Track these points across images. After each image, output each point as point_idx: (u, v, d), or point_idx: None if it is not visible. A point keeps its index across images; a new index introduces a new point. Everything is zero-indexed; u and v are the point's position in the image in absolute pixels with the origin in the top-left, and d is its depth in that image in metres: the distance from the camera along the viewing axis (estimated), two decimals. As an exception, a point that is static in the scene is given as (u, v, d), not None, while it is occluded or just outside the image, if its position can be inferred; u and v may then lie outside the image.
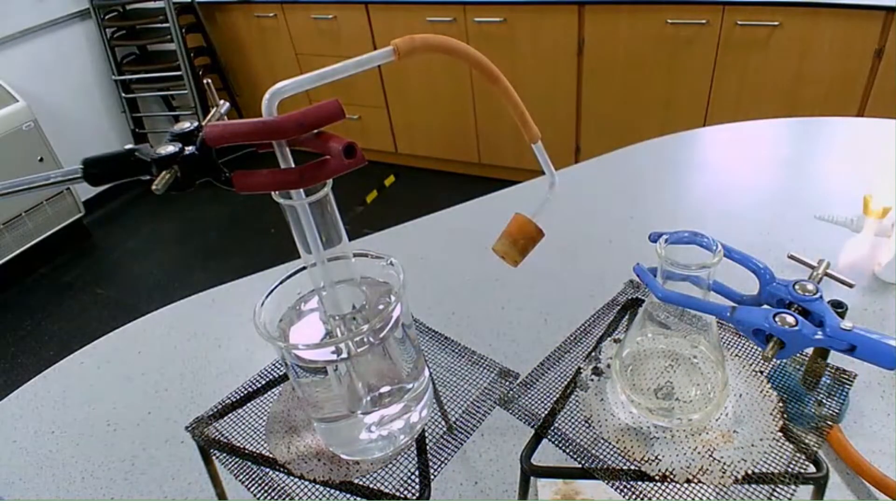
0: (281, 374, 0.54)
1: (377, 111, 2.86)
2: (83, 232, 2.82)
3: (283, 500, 0.44)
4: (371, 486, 0.44)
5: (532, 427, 0.45)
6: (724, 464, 0.40)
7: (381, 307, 0.43)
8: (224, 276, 0.92)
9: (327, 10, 2.65)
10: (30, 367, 2.14)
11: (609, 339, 0.51)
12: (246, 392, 0.52)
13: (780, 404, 0.43)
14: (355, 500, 0.43)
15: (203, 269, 2.53)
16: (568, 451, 0.43)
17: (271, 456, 0.46)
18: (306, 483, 0.44)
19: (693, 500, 0.39)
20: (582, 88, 2.35)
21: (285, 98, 0.32)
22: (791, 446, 0.41)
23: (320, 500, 0.44)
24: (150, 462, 0.65)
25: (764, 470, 0.39)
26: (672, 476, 0.39)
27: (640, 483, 0.40)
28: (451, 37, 0.32)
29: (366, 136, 2.94)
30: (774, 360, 0.33)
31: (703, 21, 2.00)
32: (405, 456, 0.45)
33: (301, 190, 0.35)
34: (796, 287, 0.34)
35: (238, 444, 0.48)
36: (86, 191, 2.79)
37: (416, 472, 0.44)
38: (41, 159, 2.51)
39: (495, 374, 0.51)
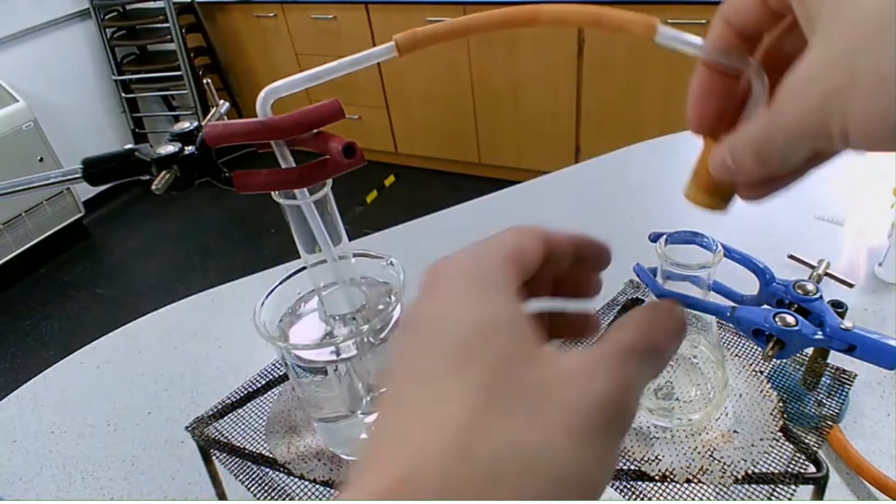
0: (281, 374, 0.54)
1: (377, 111, 2.86)
2: (83, 232, 2.82)
3: (283, 500, 0.44)
4: (371, 486, 0.43)
5: (532, 427, 0.45)
6: (725, 464, 0.40)
7: (381, 307, 0.43)
8: (224, 276, 0.92)
9: (327, 10, 2.65)
10: (30, 367, 2.14)
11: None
12: (246, 392, 0.52)
13: (780, 404, 0.43)
14: (355, 500, 0.43)
15: (203, 269, 2.53)
16: (568, 451, 0.42)
17: (271, 456, 0.46)
18: (306, 483, 0.44)
19: (693, 500, 0.39)
20: (582, 88, 2.35)
21: (283, 98, 0.32)
22: (791, 446, 0.41)
23: (320, 500, 0.44)
24: (150, 462, 0.64)
25: (764, 470, 0.39)
26: (672, 476, 0.39)
27: (640, 483, 0.40)
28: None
29: (366, 136, 2.94)
30: (774, 360, 0.34)
31: (703, 21, 2.00)
32: (405, 456, 0.45)
33: (305, 189, 0.35)
34: (796, 287, 0.34)
35: (238, 444, 0.48)
36: (86, 191, 2.79)
37: (416, 472, 0.44)
38: (41, 159, 2.51)
39: (495, 374, 0.51)
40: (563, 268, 0.25)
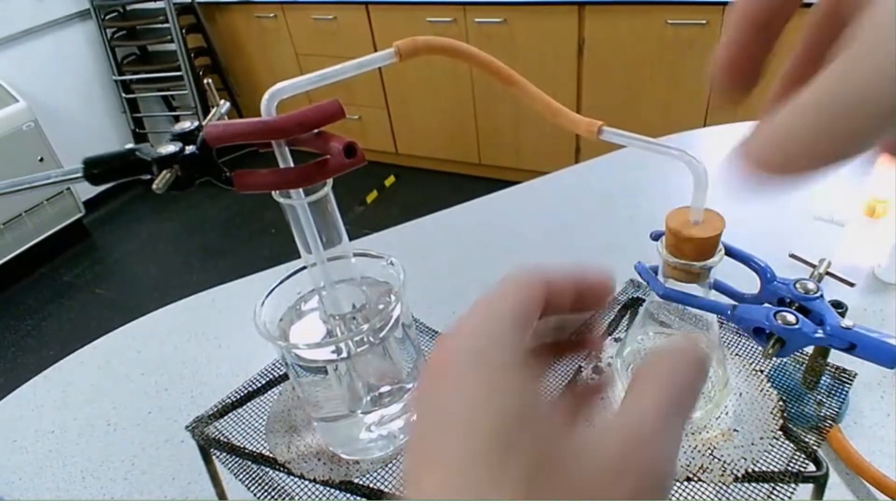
0: (281, 373, 0.54)
1: (377, 111, 2.86)
2: (83, 232, 2.82)
3: (283, 499, 0.44)
4: (371, 485, 0.44)
5: (532, 426, 0.45)
6: (724, 462, 0.40)
7: (381, 307, 0.43)
8: (224, 276, 0.91)
9: (327, 10, 2.65)
10: (30, 367, 2.14)
11: (610, 337, 0.51)
12: (246, 392, 0.52)
13: (781, 403, 0.43)
14: (355, 499, 0.43)
15: (203, 269, 2.53)
16: (568, 450, 0.42)
17: (271, 455, 0.46)
18: (306, 483, 0.44)
19: (693, 498, 0.39)
20: (582, 88, 2.35)
21: (285, 98, 0.32)
22: (791, 445, 0.41)
23: (320, 499, 0.44)
24: (150, 462, 0.64)
25: (764, 468, 0.39)
26: (672, 475, 0.39)
27: (640, 482, 0.40)
28: (451, 38, 0.32)
29: (366, 136, 2.94)
30: (774, 358, 0.34)
31: (703, 21, 2.00)
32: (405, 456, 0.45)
33: (300, 189, 0.35)
34: (797, 286, 0.34)
35: (238, 444, 0.48)
36: (86, 190, 2.79)
37: (417, 472, 0.44)
38: (41, 159, 2.51)
39: (495, 374, 0.51)
40: (563, 311, 0.24)
